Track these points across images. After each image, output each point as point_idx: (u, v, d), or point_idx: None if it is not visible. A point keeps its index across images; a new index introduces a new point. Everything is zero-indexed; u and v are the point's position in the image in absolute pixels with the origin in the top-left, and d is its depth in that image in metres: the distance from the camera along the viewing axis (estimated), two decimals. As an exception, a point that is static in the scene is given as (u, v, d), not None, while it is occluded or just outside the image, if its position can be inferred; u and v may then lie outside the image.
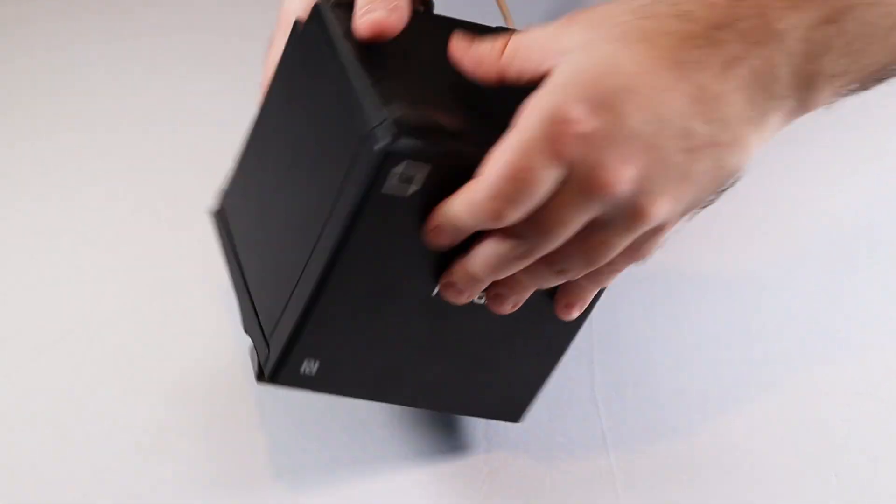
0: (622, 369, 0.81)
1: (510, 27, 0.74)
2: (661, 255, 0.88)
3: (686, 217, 0.62)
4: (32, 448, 0.78)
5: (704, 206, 0.62)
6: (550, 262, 0.62)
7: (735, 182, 0.61)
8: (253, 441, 0.78)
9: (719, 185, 0.61)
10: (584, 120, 0.57)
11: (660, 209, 0.60)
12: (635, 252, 0.63)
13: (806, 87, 0.60)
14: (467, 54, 0.64)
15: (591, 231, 0.61)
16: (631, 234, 0.61)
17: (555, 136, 0.58)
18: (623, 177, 0.58)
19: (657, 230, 0.62)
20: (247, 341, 0.84)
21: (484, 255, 0.62)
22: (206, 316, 0.85)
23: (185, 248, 0.90)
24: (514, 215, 0.59)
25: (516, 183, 0.58)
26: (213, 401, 0.80)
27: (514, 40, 0.62)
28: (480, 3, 0.80)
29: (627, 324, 0.83)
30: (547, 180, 0.58)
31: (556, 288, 0.66)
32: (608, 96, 0.57)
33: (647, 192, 0.59)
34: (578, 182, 0.59)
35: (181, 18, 1.09)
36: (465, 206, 0.60)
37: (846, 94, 0.62)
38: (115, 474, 0.76)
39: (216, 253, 0.90)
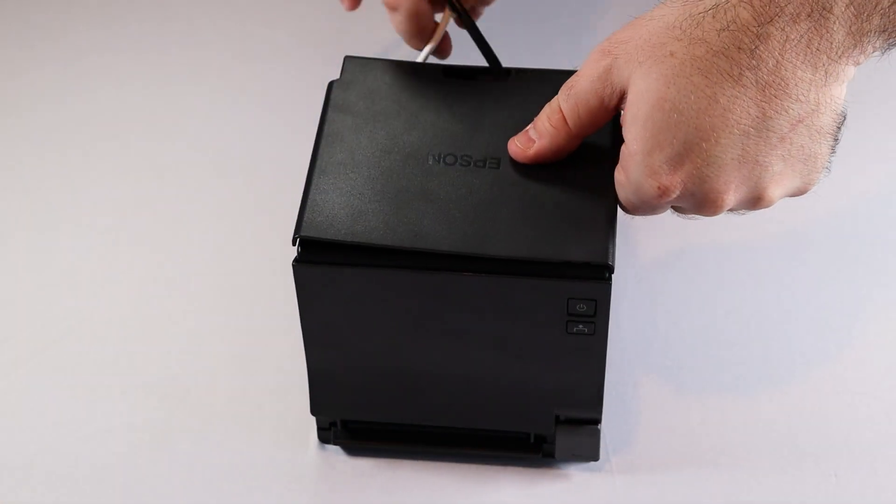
0: (622, 369, 0.81)
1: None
2: (661, 255, 0.88)
3: (823, 169, 0.68)
4: (33, 448, 0.78)
5: (833, 152, 0.67)
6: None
7: (844, 119, 0.66)
8: (253, 441, 0.78)
9: (826, 139, 0.66)
10: (671, 181, 0.65)
11: (774, 193, 0.67)
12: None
13: (861, 41, 0.64)
14: (536, 149, 0.69)
15: None
16: (751, 210, 0.69)
17: (648, 198, 0.66)
18: (728, 199, 0.66)
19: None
20: (244, 341, 0.84)
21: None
22: (207, 316, 0.85)
23: (185, 247, 0.90)
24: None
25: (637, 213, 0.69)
26: (212, 401, 0.80)
27: (568, 101, 0.68)
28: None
29: (627, 323, 0.83)
30: (657, 213, 0.68)
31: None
32: (685, 144, 0.64)
33: (758, 190, 0.66)
34: (693, 207, 0.67)
35: (185, 29, 1.09)
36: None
37: None
38: (115, 474, 0.76)
39: (215, 253, 0.90)
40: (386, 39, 1.04)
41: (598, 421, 0.73)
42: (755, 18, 0.62)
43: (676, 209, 0.69)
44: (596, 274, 0.66)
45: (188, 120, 1.00)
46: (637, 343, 0.82)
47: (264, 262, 0.88)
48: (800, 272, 0.87)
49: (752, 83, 0.63)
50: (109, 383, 0.81)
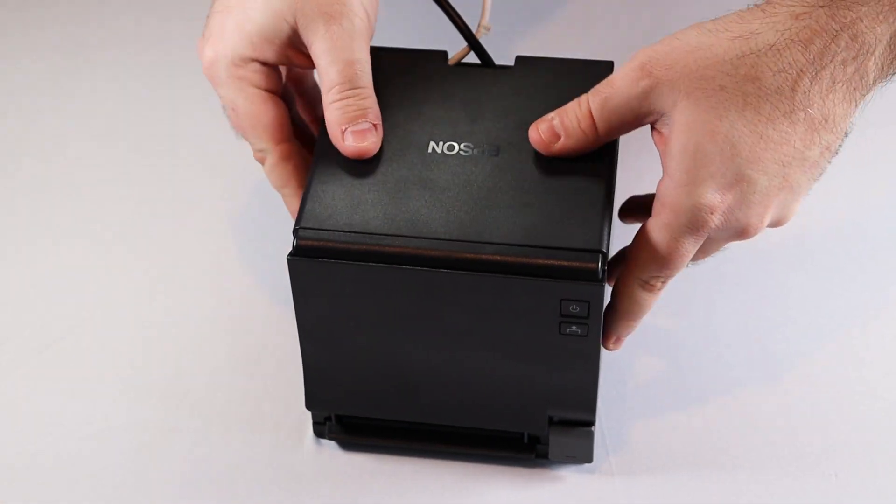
0: (622, 369, 0.81)
1: (484, 22, 0.78)
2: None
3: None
4: (33, 448, 0.78)
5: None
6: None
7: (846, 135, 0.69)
8: (253, 441, 0.78)
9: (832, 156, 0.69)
10: (719, 204, 0.66)
11: (791, 214, 0.70)
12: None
13: (886, 76, 0.68)
14: (561, 146, 0.69)
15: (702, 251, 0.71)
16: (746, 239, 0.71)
17: (699, 223, 0.67)
18: (763, 224, 0.69)
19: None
20: (244, 340, 0.84)
21: (631, 312, 0.72)
22: (207, 316, 0.85)
23: (185, 248, 0.90)
24: (665, 284, 0.71)
25: (669, 263, 0.69)
26: (213, 401, 0.80)
27: (603, 112, 0.68)
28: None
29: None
30: (693, 252, 0.69)
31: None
32: (736, 174, 0.66)
33: (784, 211, 0.69)
34: (723, 237, 0.69)
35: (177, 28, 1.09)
36: (631, 303, 0.71)
37: None
38: (115, 474, 0.76)
39: (216, 253, 0.90)
40: (386, 40, 1.03)
41: (591, 423, 0.73)
42: (811, 63, 0.65)
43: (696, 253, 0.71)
44: (589, 275, 0.66)
45: (188, 118, 1.00)
46: (637, 343, 0.82)
47: (263, 261, 0.88)
48: (800, 272, 0.87)
49: (802, 120, 0.65)
50: (109, 383, 0.81)
